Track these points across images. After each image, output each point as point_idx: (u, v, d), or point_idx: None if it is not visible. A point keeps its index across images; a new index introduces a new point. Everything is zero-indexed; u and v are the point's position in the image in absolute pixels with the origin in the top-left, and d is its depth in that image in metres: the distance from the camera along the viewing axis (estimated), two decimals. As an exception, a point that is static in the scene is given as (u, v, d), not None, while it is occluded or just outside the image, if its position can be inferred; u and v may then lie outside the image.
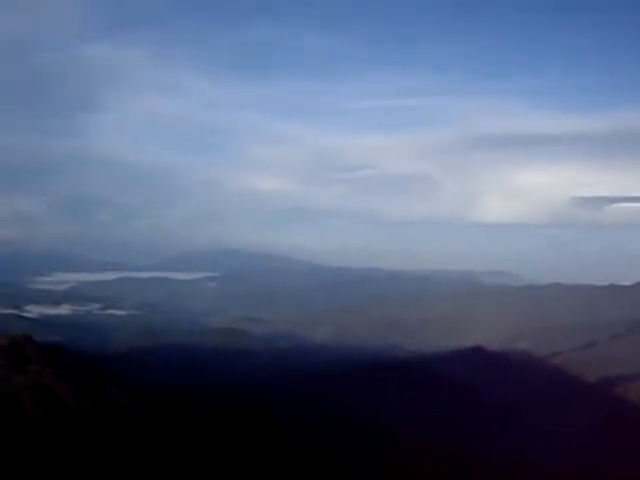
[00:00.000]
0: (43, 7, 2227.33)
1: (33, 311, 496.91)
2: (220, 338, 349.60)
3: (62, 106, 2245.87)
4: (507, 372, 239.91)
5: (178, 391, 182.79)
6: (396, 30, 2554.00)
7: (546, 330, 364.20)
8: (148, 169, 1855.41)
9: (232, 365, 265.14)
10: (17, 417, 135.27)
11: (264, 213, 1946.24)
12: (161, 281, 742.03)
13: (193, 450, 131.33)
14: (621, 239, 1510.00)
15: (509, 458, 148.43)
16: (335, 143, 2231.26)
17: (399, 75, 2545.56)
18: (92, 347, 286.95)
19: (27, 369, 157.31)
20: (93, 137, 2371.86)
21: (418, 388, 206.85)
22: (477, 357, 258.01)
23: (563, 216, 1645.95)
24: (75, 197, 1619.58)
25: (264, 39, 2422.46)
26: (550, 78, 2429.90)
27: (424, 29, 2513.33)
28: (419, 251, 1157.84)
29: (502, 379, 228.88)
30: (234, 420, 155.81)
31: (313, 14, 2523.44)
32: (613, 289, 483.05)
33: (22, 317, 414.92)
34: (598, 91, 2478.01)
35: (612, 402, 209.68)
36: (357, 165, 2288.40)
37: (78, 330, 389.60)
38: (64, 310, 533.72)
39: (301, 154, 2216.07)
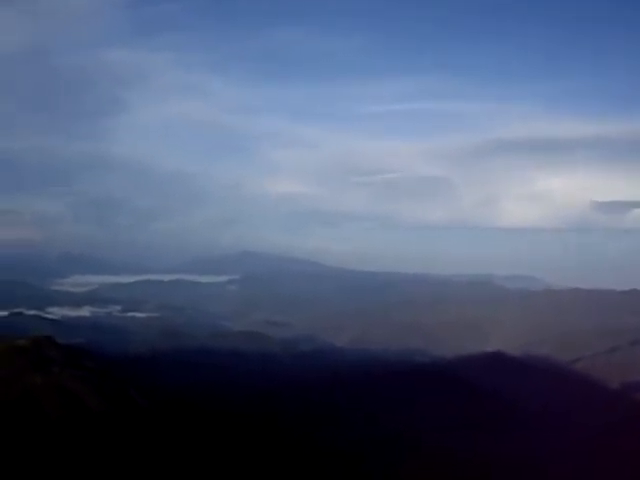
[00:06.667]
0: (66, 12, 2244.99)
1: (55, 313, 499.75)
2: (241, 341, 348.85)
3: (85, 110, 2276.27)
4: (527, 377, 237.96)
5: (198, 393, 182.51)
6: (415, 34, 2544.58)
7: (567, 335, 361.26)
8: (169, 172, 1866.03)
9: (252, 368, 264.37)
10: (39, 418, 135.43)
11: (285, 216, 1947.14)
12: (182, 284, 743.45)
13: (212, 452, 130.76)
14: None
15: (529, 464, 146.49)
16: (355, 147, 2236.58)
17: (418, 79, 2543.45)
18: (113, 349, 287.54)
19: (49, 370, 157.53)
20: (115, 140, 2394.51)
21: (438, 393, 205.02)
22: (497, 362, 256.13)
23: (583, 220, 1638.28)
24: (97, 200, 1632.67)
25: (283, 43, 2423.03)
26: (570, 82, 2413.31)
27: (443, 33, 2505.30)
28: (439, 255, 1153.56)
29: (522, 384, 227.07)
30: (254, 423, 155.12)
31: (331, 18, 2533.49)
32: (634, 294, 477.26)
33: (44, 318, 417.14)
34: (618, 95, 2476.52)
35: (633, 407, 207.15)
36: (377, 169, 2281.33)
37: (99, 332, 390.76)
38: (85, 312, 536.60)
39: (321, 158, 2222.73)
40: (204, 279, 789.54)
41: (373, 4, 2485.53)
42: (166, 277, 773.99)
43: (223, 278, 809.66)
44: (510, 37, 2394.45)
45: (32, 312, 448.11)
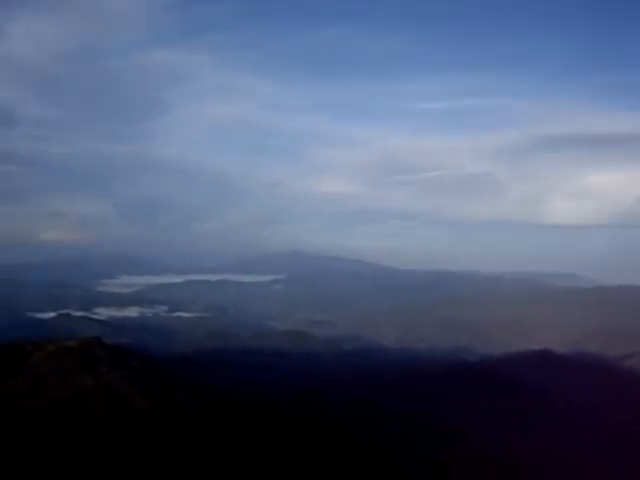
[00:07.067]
0: (109, 14, 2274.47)
1: (101, 314, 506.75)
2: (286, 341, 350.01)
3: (130, 111, 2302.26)
4: (576, 375, 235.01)
5: (243, 393, 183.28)
6: (462, 31, 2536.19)
7: (615, 332, 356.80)
8: (214, 172, 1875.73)
9: (297, 368, 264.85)
10: (86, 417, 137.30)
11: (330, 215, 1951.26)
12: (228, 284, 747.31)
13: (257, 451, 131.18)
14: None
15: (579, 462, 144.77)
16: (401, 145, 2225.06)
17: (465, 76, 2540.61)
18: (159, 349, 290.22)
19: (97, 370, 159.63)
20: (159, 141, 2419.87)
21: (487, 391, 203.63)
22: (546, 360, 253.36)
23: (632, 216, 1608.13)
24: (142, 200, 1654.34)
25: (326, 42, 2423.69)
26: (616, 77, 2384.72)
27: (491, 30, 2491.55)
28: (486, 253, 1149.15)
29: (571, 382, 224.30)
30: (297, 423, 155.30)
31: (374, 16, 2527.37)
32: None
33: (91, 319, 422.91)
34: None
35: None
36: (423, 167, 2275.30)
37: (145, 332, 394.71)
38: (132, 312, 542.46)
39: (366, 156, 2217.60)
40: (249, 279, 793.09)
41: (416, 1, 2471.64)
42: (212, 277, 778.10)
43: (268, 278, 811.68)
44: (557, 32, 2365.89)
45: (79, 313, 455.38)
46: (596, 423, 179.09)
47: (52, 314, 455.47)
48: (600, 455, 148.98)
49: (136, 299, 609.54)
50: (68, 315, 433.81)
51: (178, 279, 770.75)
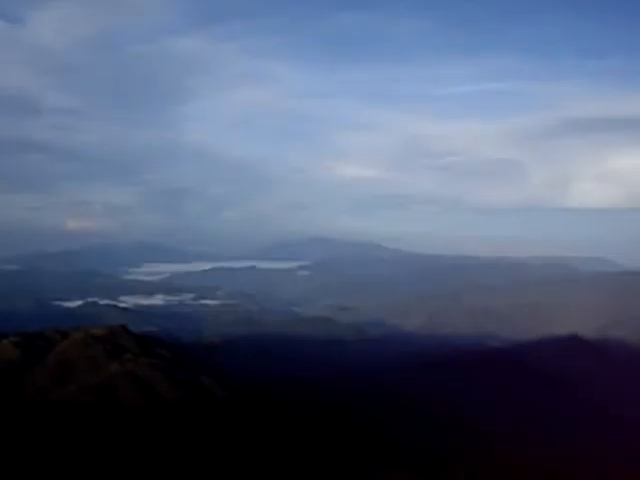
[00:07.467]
0: (134, 3, 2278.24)
1: (128, 302, 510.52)
2: (311, 327, 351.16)
3: (154, 99, 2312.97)
4: (604, 361, 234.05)
5: (270, 380, 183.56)
6: (484, 14, 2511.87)
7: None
8: (239, 159, 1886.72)
9: (322, 354, 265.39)
10: (114, 404, 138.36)
11: (354, 201, 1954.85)
12: (254, 270, 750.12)
13: (283, 439, 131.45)
14: None
15: (607, 451, 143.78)
16: (423, 130, 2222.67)
17: (488, 60, 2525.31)
18: (186, 337, 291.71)
19: (123, 358, 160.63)
20: (185, 129, 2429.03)
21: (512, 378, 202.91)
22: (573, 345, 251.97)
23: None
24: (168, 189, 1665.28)
25: (352, 27, 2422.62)
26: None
27: (511, 12, 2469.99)
28: (511, 238, 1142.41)
29: (599, 368, 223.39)
30: (323, 410, 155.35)
31: (400, 0, 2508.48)
32: None
33: (117, 307, 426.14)
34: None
35: None
36: (446, 151, 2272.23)
37: (172, 320, 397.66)
38: (158, 300, 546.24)
39: (390, 141, 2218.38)
40: (276, 265, 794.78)
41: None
42: (237, 264, 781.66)
43: (294, 264, 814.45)
44: (581, 13, 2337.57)
45: (106, 301, 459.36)
46: (622, 411, 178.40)
47: (78, 303, 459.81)
48: (622, 444, 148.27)
49: (162, 287, 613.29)
50: (94, 304, 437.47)
51: (204, 266, 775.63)
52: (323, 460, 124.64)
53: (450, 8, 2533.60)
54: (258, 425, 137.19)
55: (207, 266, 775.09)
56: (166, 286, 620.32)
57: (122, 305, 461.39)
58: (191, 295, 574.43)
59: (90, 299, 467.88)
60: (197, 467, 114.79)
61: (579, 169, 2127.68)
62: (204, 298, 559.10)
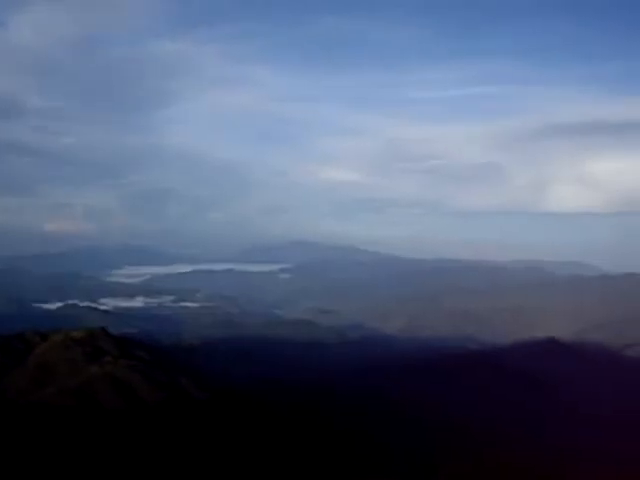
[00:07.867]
0: (117, 5, 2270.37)
1: (108, 304, 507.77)
2: (292, 330, 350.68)
3: (138, 101, 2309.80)
4: (581, 364, 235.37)
5: (250, 383, 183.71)
6: (469, 19, 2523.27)
7: (621, 321, 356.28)
8: (222, 162, 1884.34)
9: (303, 357, 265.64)
10: (93, 407, 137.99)
11: (336, 204, 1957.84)
12: (234, 273, 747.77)
13: (264, 442, 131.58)
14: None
15: (584, 453, 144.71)
16: (406, 134, 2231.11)
17: (470, 64, 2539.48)
18: (165, 339, 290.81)
19: (103, 361, 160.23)
20: (168, 131, 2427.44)
21: (492, 380, 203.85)
22: (551, 348, 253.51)
23: (638, 204, 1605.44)
24: (149, 191, 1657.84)
25: (333, 31, 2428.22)
26: (622, 64, 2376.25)
27: (498, 18, 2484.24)
28: (491, 241, 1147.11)
29: (576, 371, 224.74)
30: (305, 412, 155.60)
31: (383, 4, 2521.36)
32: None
33: (97, 309, 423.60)
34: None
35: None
36: (429, 155, 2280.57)
37: (152, 322, 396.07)
38: (138, 303, 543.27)
39: (373, 145, 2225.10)
40: (256, 268, 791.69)
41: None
42: (218, 267, 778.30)
43: (274, 267, 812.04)
44: (568, 19, 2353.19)
45: (85, 304, 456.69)
46: (600, 412, 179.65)
47: (58, 305, 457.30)
48: (605, 445, 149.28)
49: (142, 289, 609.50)
50: (74, 306, 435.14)
51: (184, 269, 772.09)
52: (304, 463, 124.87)
53: (435, 13, 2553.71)
54: (238, 428, 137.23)
55: (187, 268, 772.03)
56: (146, 288, 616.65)
57: (102, 307, 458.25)
58: (171, 297, 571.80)
59: (70, 301, 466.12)
60: (177, 469, 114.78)
61: (559, 173, 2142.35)
62: (184, 300, 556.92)
